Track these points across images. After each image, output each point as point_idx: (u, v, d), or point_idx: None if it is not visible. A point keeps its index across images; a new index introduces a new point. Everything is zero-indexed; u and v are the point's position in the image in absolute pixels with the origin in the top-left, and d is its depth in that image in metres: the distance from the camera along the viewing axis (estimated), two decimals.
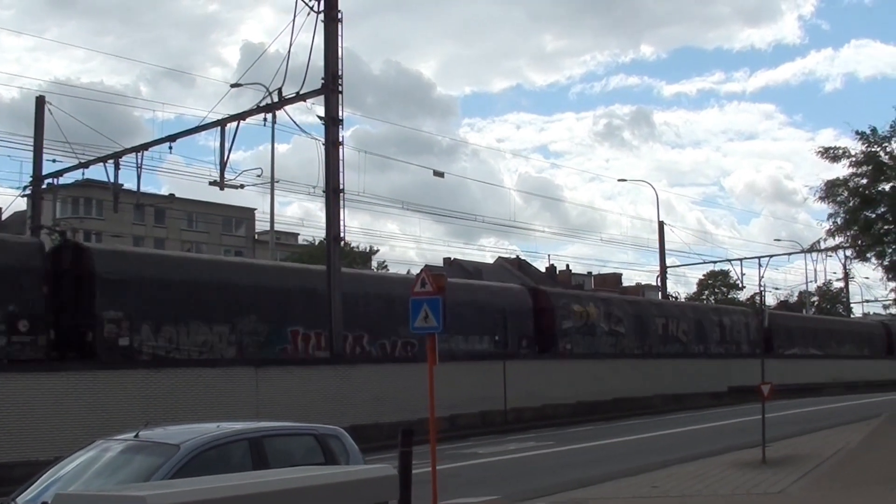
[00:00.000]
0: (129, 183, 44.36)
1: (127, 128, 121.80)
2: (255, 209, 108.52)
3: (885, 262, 42.34)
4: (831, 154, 39.16)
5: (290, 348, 36.94)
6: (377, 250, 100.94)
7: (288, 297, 37.06)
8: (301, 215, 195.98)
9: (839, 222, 40.04)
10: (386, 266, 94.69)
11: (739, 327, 69.67)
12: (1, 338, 28.52)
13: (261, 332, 35.88)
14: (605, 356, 51.25)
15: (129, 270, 32.41)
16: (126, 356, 31.13)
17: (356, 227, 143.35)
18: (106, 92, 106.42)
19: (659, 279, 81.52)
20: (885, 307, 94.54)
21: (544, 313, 50.46)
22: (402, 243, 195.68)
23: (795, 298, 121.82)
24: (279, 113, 36.73)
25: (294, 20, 34.61)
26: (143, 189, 42.73)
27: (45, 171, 44.93)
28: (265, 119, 37.12)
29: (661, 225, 78.28)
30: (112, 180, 41.35)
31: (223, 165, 37.09)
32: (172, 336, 32.79)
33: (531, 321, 49.64)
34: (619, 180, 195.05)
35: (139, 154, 39.99)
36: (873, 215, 39.75)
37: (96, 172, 43.67)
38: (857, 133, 38.22)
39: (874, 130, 37.96)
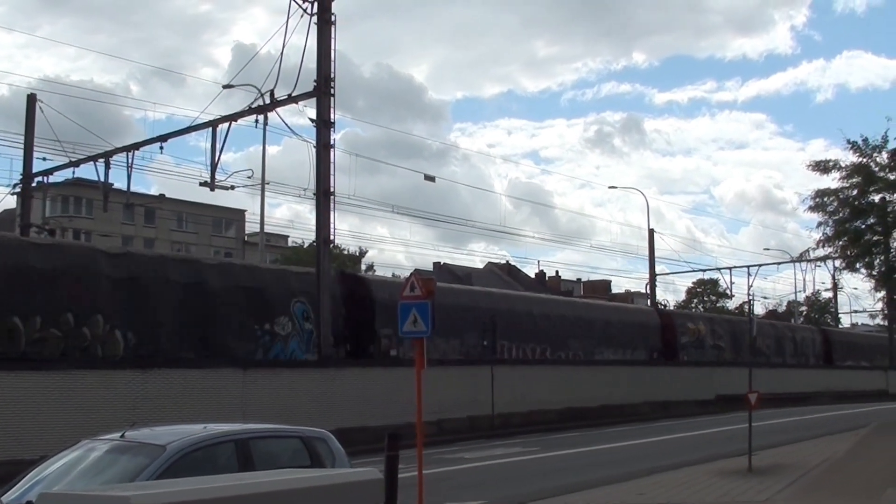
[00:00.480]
0: (119, 182, 44.41)
1: (117, 127, 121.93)
2: (246, 210, 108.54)
3: (874, 273, 42.38)
4: (822, 167, 39.26)
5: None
6: (367, 251, 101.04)
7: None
8: (291, 217, 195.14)
9: (828, 232, 40.16)
10: (374, 269, 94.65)
11: (808, 342, 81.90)
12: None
13: (476, 344, 46.30)
14: (605, 363, 51.62)
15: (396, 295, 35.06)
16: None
17: (345, 230, 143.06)
18: (96, 90, 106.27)
19: (648, 287, 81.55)
20: (873, 317, 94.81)
21: (668, 330, 61.90)
22: (391, 247, 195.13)
23: (784, 308, 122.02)
24: (271, 115, 36.77)
25: (287, 22, 34.64)
26: (132, 189, 42.69)
27: (35, 170, 44.91)
28: (257, 121, 37.09)
29: (650, 233, 78.29)
30: (102, 179, 41.30)
31: (214, 166, 37.10)
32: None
33: (659, 336, 61.32)
34: (609, 187, 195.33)
35: (130, 154, 39.96)
36: (862, 226, 39.83)
37: (86, 171, 43.66)
38: (848, 142, 38.34)
39: (865, 140, 38.07)
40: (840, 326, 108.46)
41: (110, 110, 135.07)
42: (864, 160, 38.45)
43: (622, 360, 54.20)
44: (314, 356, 35.20)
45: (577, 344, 54.50)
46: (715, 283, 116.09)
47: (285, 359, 35.61)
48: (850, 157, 38.83)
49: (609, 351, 56.23)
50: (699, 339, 65.90)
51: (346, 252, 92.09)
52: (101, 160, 40.88)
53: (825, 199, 39.42)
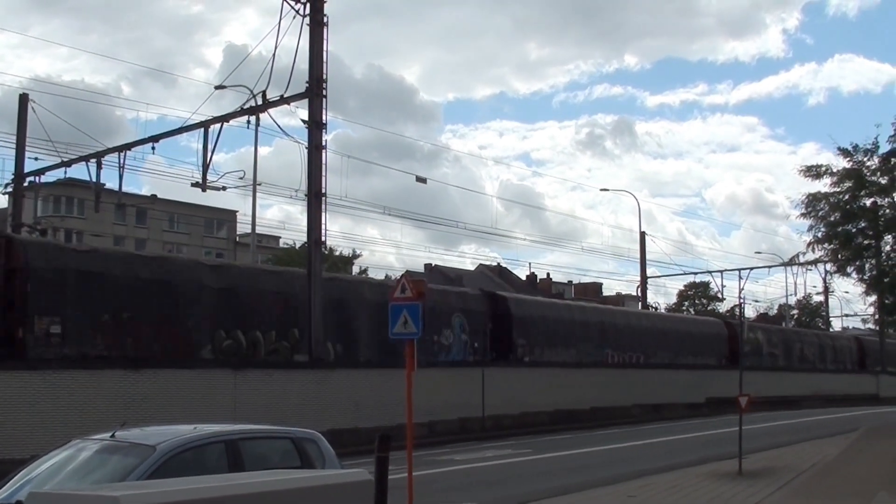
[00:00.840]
0: (110, 182, 44.28)
1: (109, 127, 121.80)
2: (237, 211, 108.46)
3: (865, 277, 42.43)
4: (814, 172, 39.31)
5: None
6: (360, 254, 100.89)
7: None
8: (282, 218, 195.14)
9: (819, 236, 40.19)
10: (367, 272, 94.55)
11: (846, 350, 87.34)
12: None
13: (591, 352, 53.58)
14: (586, 365, 51.51)
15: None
16: None
17: (336, 231, 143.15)
18: (88, 90, 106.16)
19: (639, 289, 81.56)
20: (865, 321, 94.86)
21: (733, 339, 65.87)
22: (382, 248, 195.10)
23: (775, 311, 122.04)
24: (262, 116, 36.73)
25: (280, 23, 34.61)
26: (124, 189, 42.67)
27: (26, 169, 44.85)
28: (249, 121, 37.04)
29: (642, 235, 78.42)
30: (94, 180, 41.27)
31: (206, 167, 37.12)
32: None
33: (727, 345, 67.39)
34: (601, 190, 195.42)
35: (121, 154, 39.92)
36: (853, 230, 39.87)
37: (78, 171, 43.61)
38: (839, 149, 38.40)
39: (856, 147, 38.13)
40: (831, 330, 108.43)
41: (102, 110, 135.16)
42: (855, 165, 38.51)
43: (609, 363, 54.18)
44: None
45: (664, 353, 61.16)
46: (706, 286, 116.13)
47: (277, 359, 35.54)
48: (841, 163, 38.93)
49: (689, 358, 62.86)
50: (757, 347, 71.93)
51: (337, 254, 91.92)
52: (93, 160, 40.85)
53: (816, 204, 39.46)
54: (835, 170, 38.96)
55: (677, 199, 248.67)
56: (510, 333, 47.89)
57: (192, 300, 33.73)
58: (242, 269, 40.23)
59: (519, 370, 45.60)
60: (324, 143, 34.82)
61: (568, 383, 46.27)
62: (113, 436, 11.54)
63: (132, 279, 31.94)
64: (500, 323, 48.02)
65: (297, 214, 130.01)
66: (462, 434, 37.90)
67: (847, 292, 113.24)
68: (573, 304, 63.49)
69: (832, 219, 39.51)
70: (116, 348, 30.92)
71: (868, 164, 38.59)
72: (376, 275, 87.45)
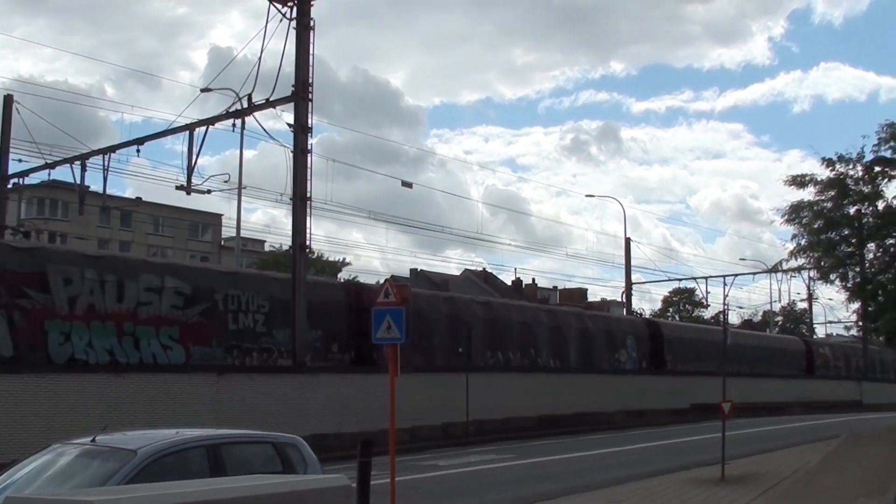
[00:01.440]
0: (95, 185, 44.17)
1: (92, 128, 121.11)
2: (223, 215, 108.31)
3: (849, 285, 42.56)
4: (798, 181, 39.42)
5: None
6: (349, 262, 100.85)
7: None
8: (266, 222, 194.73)
9: (803, 244, 40.30)
10: (356, 277, 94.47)
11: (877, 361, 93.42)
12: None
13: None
14: (579, 371, 51.81)
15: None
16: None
17: (321, 236, 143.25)
18: (71, 92, 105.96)
19: (624, 295, 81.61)
20: (848, 328, 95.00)
21: (809, 355, 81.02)
22: (367, 252, 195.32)
23: (759, 318, 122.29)
24: (248, 119, 36.64)
25: (266, 26, 34.61)
26: (108, 191, 42.53)
27: (10, 171, 44.71)
28: (234, 125, 36.92)
29: (627, 241, 78.44)
30: (78, 182, 41.13)
31: (190, 170, 36.98)
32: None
33: (804, 360, 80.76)
34: (587, 196, 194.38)
35: (106, 156, 39.79)
36: (837, 237, 40.00)
37: (62, 173, 43.45)
38: (823, 160, 38.50)
39: (841, 156, 38.23)
40: (815, 337, 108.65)
41: (85, 112, 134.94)
42: (839, 174, 38.62)
43: (594, 369, 54.19)
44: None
45: (754, 366, 69.61)
46: (691, 292, 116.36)
47: (260, 364, 35.47)
48: (825, 172, 39.04)
49: (775, 370, 73.74)
50: (826, 361, 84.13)
51: (325, 259, 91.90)
52: (78, 162, 40.69)
53: (800, 212, 39.58)
54: (820, 178, 39.08)
55: (662, 205, 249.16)
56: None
57: None
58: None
59: (504, 375, 45.63)
60: (309, 147, 34.81)
61: (552, 389, 46.32)
62: (94, 440, 11.51)
63: None
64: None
65: (282, 218, 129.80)
66: (445, 439, 37.91)
67: (831, 299, 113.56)
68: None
69: (816, 227, 39.63)
70: None
71: (852, 173, 38.71)
72: (362, 279, 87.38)
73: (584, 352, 54.75)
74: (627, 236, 79.12)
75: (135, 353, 31.53)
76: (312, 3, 34.94)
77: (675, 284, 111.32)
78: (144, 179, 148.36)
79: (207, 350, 33.90)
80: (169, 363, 32.13)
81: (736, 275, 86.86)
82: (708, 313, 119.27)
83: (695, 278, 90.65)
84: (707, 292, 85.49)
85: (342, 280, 69.46)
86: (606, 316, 69.00)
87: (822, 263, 41.77)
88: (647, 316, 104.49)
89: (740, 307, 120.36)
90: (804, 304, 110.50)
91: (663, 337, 63.20)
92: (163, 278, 33.06)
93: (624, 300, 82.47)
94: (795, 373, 78.11)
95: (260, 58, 34.91)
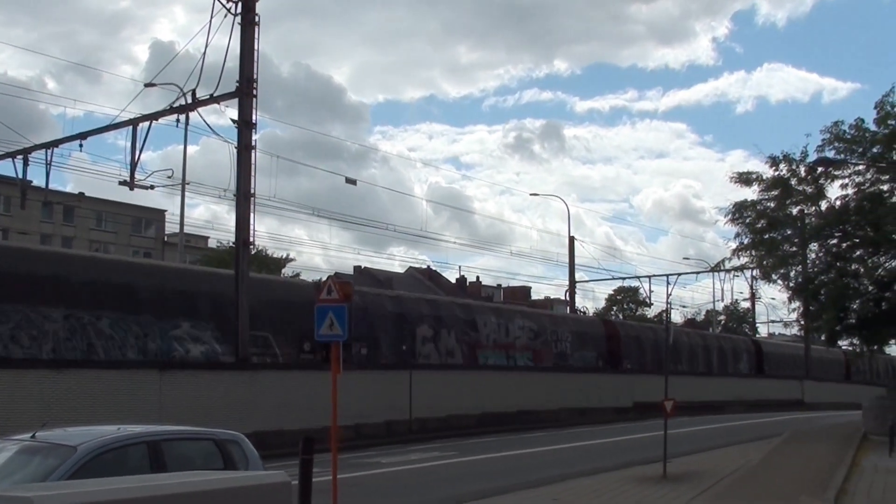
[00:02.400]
0: (37, 180, 43.78)
1: (31, 121, 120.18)
2: (166, 211, 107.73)
3: (791, 284, 42.85)
4: (744, 178, 39.64)
5: None
6: (293, 259, 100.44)
7: None
8: (208, 218, 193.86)
9: (745, 242, 40.53)
10: (300, 274, 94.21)
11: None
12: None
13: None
14: (521, 369, 51.97)
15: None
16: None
17: (264, 232, 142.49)
18: (11, 84, 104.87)
19: (567, 294, 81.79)
20: (787, 325, 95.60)
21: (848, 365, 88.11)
22: (309, 249, 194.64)
23: (703, 317, 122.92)
24: (192, 115, 36.38)
25: (210, 21, 34.41)
26: (49, 186, 42.16)
27: None
28: (178, 120, 36.65)
29: (571, 240, 78.53)
30: (20, 176, 40.75)
31: (133, 165, 36.68)
32: None
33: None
34: (531, 194, 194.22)
35: (49, 151, 39.42)
36: (779, 237, 40.24)
37: (4, 167, 43.11)
38: (769, 158, 38.70)
39: (786, 156, 38.46)
40: (758, 336, 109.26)
41: (26, 105, 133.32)
42: (784, 174, 38.85)
43: (538, 367, 54.30)
44: None
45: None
46: (635, 291, 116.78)
47: (203, 360, 35.30)
48: (770, 171, 39.25)
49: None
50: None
51: (266, 254, 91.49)
52: (20, 157, 40.30)
53: (743, 211, 39.81)
54: (765, 177, 39.30)
55: (606, 203, 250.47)
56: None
57: None
58: None
59: (448, 373, 45.61)
60: (254, 144, 34.67)
61: (496, 386, 46.40)
62: (34, 436, 11.44)
63: None
64: None
65: (224, 214, 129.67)
66: (389, 437, 37.87)
67: (773, 299, 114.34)
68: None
69: (759, 226, 39.87)
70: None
71: (796, 173, 38.94)
72: (305, 276, 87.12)
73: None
74: (571, 235, 79.25)
75: None
76: None
77: (619, 283, 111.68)
78: (86, 174, 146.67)
79: None
80: (109, 359, 31.93)
81: (679, 274, 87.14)
82: (651, 312, 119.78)
83: (638, 277, 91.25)
84: (650, 291, 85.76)
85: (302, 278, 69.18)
86: (552, 314, 69.29)
87: (765, 263, 41.99)
88: (593, 314, 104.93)
89: (684, 306, 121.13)
90: (747, 304, 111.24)
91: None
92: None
93: (568, 298, 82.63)
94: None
95: (204, 53, 34.76)
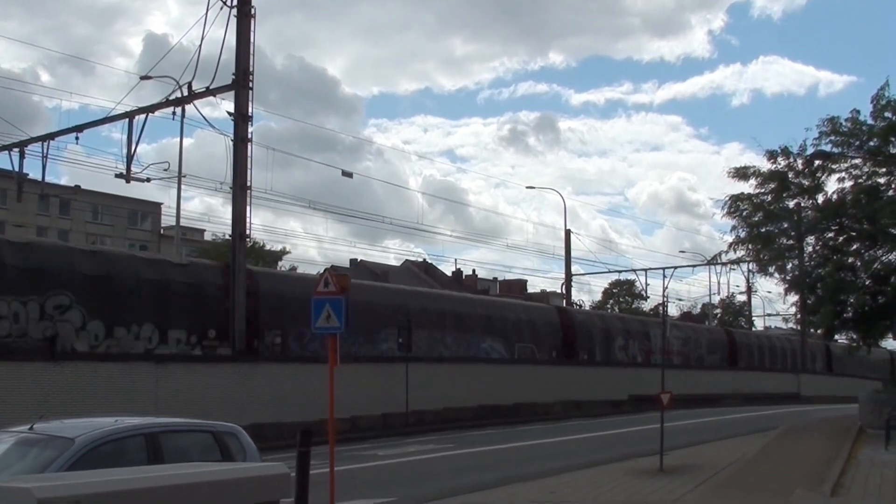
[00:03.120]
0: (33, 172, 43.62)
1: (26, 114, 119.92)
2: (162, 203, 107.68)
3: (787, 277, 42.82)
4: (741, 173, 39.56)
5: None
6: (289, 251, 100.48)
7: None
8: (203, 210, 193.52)
9: (742, 235, 40.46)
10: (296, 267, 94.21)
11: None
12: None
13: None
14: (518, 362, 51.95)
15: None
16: None
17: (258, 225, 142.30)
18: (4, 77, 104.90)
19: (564, 287, 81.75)
20: (786, 320, 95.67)
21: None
22: (304, 242, 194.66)
23: (699, 310, 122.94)
24: (187, 107, 36.37)
25: (206, 14, 34.41)
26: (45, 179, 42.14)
27: None
28: (174, 113, 36.68)
29: (567, 233, 78.46)
30: (16, 169, 40.71)
31: (130, 158, 36.66)
32: None
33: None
34: (527, 187, 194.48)
35: (45, 143, 39.38)
36: (776, 230, 40.18)
37: (0, 161, 42.96)
38: (767, 152, 38.64)
39: (785, 149, 38.39)
40: (754, 329, 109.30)
41: (20, 97, 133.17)
42: (781, 167, 38.80)
43: (535, 360, 54.24)
44: None
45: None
46: (631, 284, 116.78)
47: (199, 353, 35.28)
48: (768, 165, 39.21)
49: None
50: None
51: (262, 247, 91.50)
52: (16, 150, 40.25)
53: (739, 204, 39.75)
54: (762, 171, 39.25)
55: (601, 196, 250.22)
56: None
57: None
58: None
59: (444, 365, 45.62)
60: (249, 136, 34.67)
61: (492, 379, 46.41)
62: (31, 428, 11.43)
63: None
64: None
65: (219, 207, 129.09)
66: (385, 429, 37.86)
67: (770, 292, 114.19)
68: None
69: (755, 219, 39.81)
70: None
71: (794, 166, 38.89)
72: (301, 269, 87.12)
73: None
74: (568, 228, 79.16)
75: None
76: None
77: (615, 276, 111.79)
78: (81, 167, 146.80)
79: None
80: (107, 352, 31.92)
81: (676, 267, 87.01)
82: (647, 305, 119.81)
83: (634, 270, 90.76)
84: (647, 284, 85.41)
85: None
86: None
87: (762, 256, 41.98)
88: (589, 308, 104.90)
89: (680, 299, 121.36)
90: (743, 297, 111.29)
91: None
92: None
93: (564, 292, 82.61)
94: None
95: (200, 45, 34.79)
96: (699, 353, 76.31)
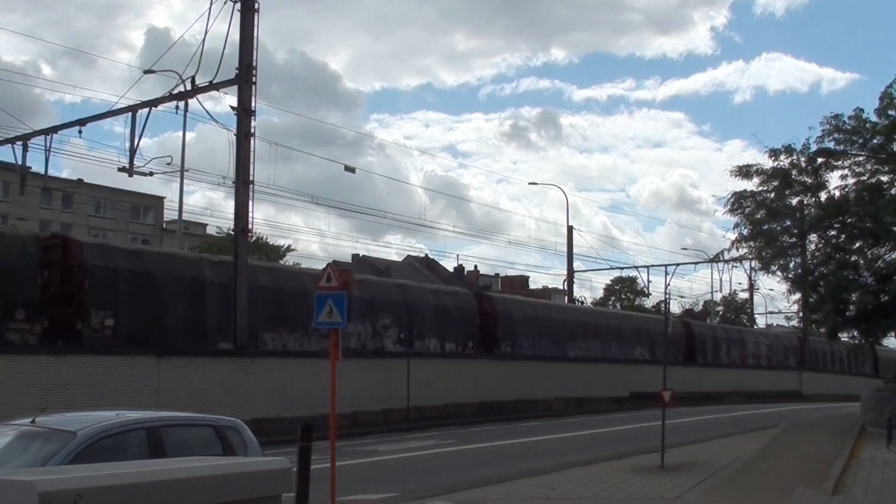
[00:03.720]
0: (36, 166, 43.59)
1: (27, 107, 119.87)
2: (165, 197, 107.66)
3: (790, 275, 42.75)
4: (744, 171, 39.52)
5: None
6: (294, 249, 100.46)
7: None
8: (205, 205, 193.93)
9: (744, 233, 40.42)
10: (299, 264, 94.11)
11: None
12: None
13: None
14: (519, 358, 51.76)
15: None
16: None
17: (260, 219, 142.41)
18: (5, 69, 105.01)
19: (566, 283, 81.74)
20: (788, 318, 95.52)
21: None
22: (305, 237, 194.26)
23: (700, 307, 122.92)
24: (190, 101, 36.37)
25: (210, 8, 34.39)
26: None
27: None
28: (177, 107, 36.69)
29: (569, 230, 78.49)
30: (20, 162, 40.70)
31: (133, 152, 36.64)
32: None
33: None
34: (530, 183, 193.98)
35: (48, 137, 39.37)
36: (779, 228, 40.16)
37: (3, 153, 43.04)
38: (770, 150, 38.60)
39: (788, 146, 38.38)
40: (755, 327, 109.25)
41: (20, 90, 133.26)
42: (784, 165, 38.77)
43: (536, 356, 54.08)
44: None
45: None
46: (633, 281, 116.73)
47: (200, 347, 35.24)
48: (770, 163, 39.17)
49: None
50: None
51: (265, 241, 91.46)
52: (19, 143, 40.24)
53: (742, 201, 39.71)
54: (765, 168, 39.21)
55: (602, 193, 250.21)
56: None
57: None
58: None
59: (445, 361, 45.63)
60: (253, 131, 34.65)
61: (493, 375, 46.41)
62: (33, 421, 11.42)
63: None
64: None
65: (220, 201, 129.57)
66: (386, 425, 37.89)
67: (772, 290, 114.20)
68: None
69: (758, 217, 39.78)
70: None
71: (797, 163, 38.86)
72: (302, 264, 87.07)
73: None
74: (570, 224, 79.17)
75: None
76: None
77: (617, 273, 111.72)
78: (82, 160, 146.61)
79: None
80: (108, 346, 31.90)
81: (678, 264, 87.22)
82: (649, 302, 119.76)
83: (637, 267, 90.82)
84: (649, 281, 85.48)
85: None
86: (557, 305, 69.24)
87: (764, 254, 41.93)
88: (590, 304, 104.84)
89: (682, 296, 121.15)
90: (745, 295, 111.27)
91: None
92: None
93: (565, 288, 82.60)
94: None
95: (204, 39, 34.75)
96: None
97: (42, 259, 31.91)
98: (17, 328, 30.65)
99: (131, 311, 33.59)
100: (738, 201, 39.88)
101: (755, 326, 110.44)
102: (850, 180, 38.45)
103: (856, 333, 44.32)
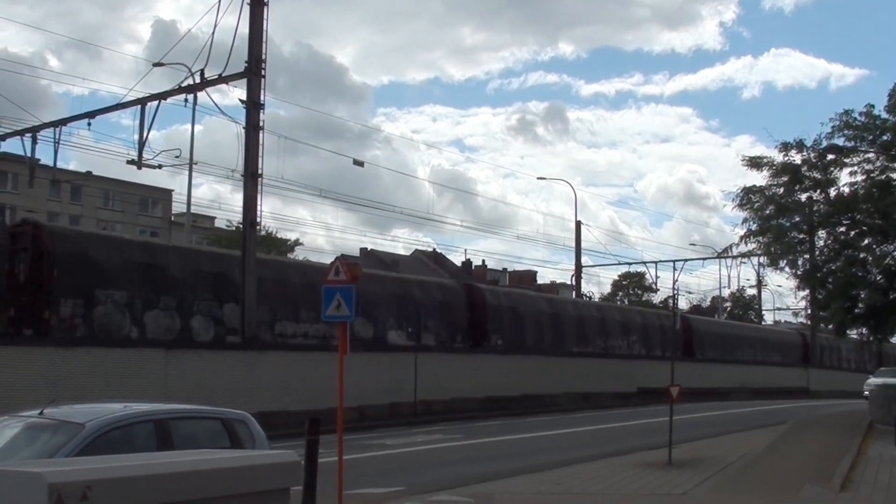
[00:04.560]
0: (44, 158, 43.61)
1: (34, 98, 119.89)
2: (173, 190, 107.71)
3: (798, 272, 42.64)
4: (755, 162, 39.44)
5: None
6: (301, 243, 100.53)
7: None
8: (212, 198, 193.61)
9: (753, 228, 40.31)
10: (306, 257, 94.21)
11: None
12: None
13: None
14: (526, 353, 51.65)
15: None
16: None
17: (266, 212, 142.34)
18: (11, 61, 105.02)
19: (573, 278, 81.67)
20: (796, 315, 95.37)
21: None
22: (312, 230, 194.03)
23: (708, 303, 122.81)
24: (199, 94, 36.36)
25: (220, 1, 34.39)
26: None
27: None
28: (186, 100, 36.68)
29: (577, 225, 78.40)
30: (29, 154, 40.74)
31: (141, 144, 36.67)
32: None
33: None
34: (538, 178, 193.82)
35: (57, 129, 39.40)
36: (787, 223, 40.08)
37: (11, 145, 43.02)
38: (780, 144, 38.51)
39: (799, 142, 38.29)
40: (763, 323, 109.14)
41: (27, 81, 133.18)
42: (796, 160, 38.69)
43: (542, 351, 54.06)
44: None
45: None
46: (641, 276, 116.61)
47: (208, 340, 35.27)
48: (780, 157, 39.09)
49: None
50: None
51: (274, 235, 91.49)
52: (28, 135, 40.27)
53: (751, 196, 39.63)
54: (776, 162, 39.12)
55: (610, 188, 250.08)
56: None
57: None
58: None
59: (452, 356, 45.62)
60: (261, 124, 34.67)
61: (500, 370, 46.40)
62: (41, 413, 11.42)
63: None
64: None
65: (227, 194, 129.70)
66: (392, 419, 37.89)
67: (780, 286, 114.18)
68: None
69: (767, 212, 39.69)
70: None
71: (807, 159, 38.78)
72: (310, 257, 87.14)
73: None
74: (578, 219, 79.05)
75: None
76: None
77: (625, 268, 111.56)
78: (89, 153, 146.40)
79: None
80: (117, 338, 31.92)
81: (686, 260, 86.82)
82: (657, 298, 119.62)
83: (644, 263, 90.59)
84: (657, 277, 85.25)
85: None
86: (561, 299, 69.14)
87: (772, 249, 41.81)
88: (598, 299, 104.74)
89: (689, 292, 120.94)
90: (753, 291, 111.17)
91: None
92: None
93: (573, 283, 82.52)
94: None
95: (213, 32, 34.79)
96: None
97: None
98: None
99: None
100: (746, 196, 39.80)
101: (763, 323, 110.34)
102: (860, 177, 38.37)
103: (864, 330, 44.20)
